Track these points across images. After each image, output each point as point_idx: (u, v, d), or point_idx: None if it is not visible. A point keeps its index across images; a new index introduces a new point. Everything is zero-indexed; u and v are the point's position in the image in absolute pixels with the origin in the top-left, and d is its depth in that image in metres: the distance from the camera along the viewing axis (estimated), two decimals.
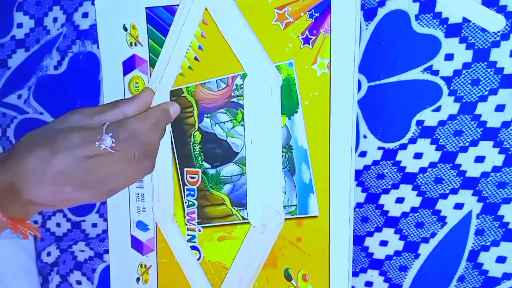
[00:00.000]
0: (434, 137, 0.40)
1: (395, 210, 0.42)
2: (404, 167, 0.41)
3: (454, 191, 0.40)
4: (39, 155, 0.36)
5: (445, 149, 0.40)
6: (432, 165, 0.40)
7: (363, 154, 0.43)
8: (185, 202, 0.48)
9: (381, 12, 0.40)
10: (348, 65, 0.40)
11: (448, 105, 0.39)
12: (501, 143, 0.38)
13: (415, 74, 0.40)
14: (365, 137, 0.43)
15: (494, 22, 0.37)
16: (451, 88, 0.39)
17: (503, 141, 0.38)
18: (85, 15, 0.51)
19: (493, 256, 0.40)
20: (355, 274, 0.44)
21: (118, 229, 0.52)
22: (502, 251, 0.39)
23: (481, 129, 0.38)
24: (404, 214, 0.42)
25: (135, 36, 0.48)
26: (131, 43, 0.48)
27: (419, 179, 0.41)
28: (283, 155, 0.44)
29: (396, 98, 0.41)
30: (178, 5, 0.45)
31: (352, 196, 0.41)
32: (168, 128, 0.48)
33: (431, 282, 0.42)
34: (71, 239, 0.56)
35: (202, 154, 0.47)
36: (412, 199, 0.41)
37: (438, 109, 0.39)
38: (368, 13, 0.41)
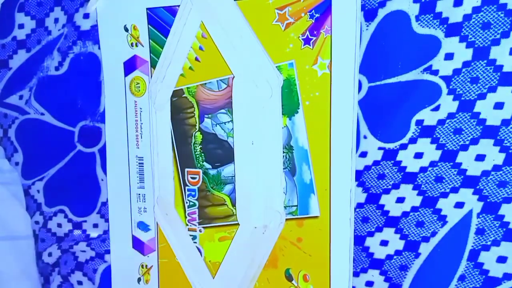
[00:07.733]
0: (434, 136, 0.40)
1: (395, 210, 0.42)
2: (405, 167, 0.41)
3: (455, 190, 0.40)
4: None
5: (445, 148, 0.40)
6: (433, 164, 0.40)
7: (363, 154, 0.43)
8: (186, 203, 0.48)
9: (382, 13, 0.41)
10: (348, 66, 0.40)
11: (447, 104, 0.39)
12: (502, 141, 0.38)
13: (415, 74, 0.40)
14: (365, 137, 0.43)
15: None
16: (450, 87, 0.39)
17: (504, 139, 0.38)
18: (86, 16, 0.51)
19: (493, 256, 0.40)
20: (355, 274, 0.44)
21: (119, 230, 0.52)
22: (503, 251, 0.39)
23: (481, 127, 0.38)
24: (405, 214, 0.42)
25: (136, 37, 0.48)
26: (132, 44, 0.48)
27: (419, 179, 0.41)
28: (283, 156, 0.44)
29: (396, 99, 0.41)
30: (179, 5, 0.45)
31: (352, 197, 0.41)
32: (169, 128, 0.48)
33: (431, 281, 0.42)
34: (72, 239, 0.56)
35: (203, 154, 0.47)
36: (413, 199, 0.41)
37: (437, 108, 0.39)
38: (369, 14, 0.41)
